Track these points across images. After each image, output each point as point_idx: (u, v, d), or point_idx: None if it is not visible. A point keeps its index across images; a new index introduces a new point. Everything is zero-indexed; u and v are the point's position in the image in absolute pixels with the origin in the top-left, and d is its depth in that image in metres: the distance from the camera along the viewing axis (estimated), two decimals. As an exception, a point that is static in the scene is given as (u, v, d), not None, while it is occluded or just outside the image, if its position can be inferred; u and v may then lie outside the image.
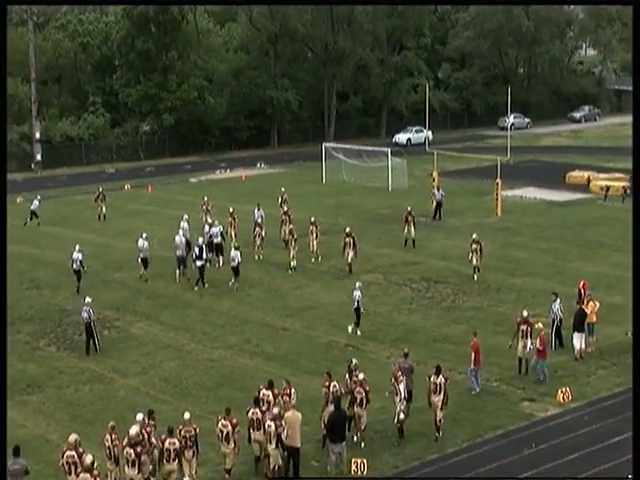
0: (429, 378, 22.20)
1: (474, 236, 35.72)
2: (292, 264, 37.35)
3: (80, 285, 34.98)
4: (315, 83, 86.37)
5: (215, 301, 33.87)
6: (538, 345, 25.10)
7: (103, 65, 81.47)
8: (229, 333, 30.26)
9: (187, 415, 19.66)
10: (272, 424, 19.85)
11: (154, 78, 75.31)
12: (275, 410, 20.18)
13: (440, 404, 21.99)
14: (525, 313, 26.18)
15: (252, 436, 20.54)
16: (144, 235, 37.15)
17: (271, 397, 20.99)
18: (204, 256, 35.62)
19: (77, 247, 35.56)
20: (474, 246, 35.32)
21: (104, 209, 48.73)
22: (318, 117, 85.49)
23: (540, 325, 25.66)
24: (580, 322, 27.21)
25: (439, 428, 22.09)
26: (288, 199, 46.63)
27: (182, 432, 19.41)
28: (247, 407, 20.65)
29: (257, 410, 20.41)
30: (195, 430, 19.55)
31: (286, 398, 21.09)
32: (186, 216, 39.91)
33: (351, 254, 36.15)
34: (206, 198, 45.25)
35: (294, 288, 35.28)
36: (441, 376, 22.00)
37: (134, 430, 18.92)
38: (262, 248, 39.18)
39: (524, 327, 25.72)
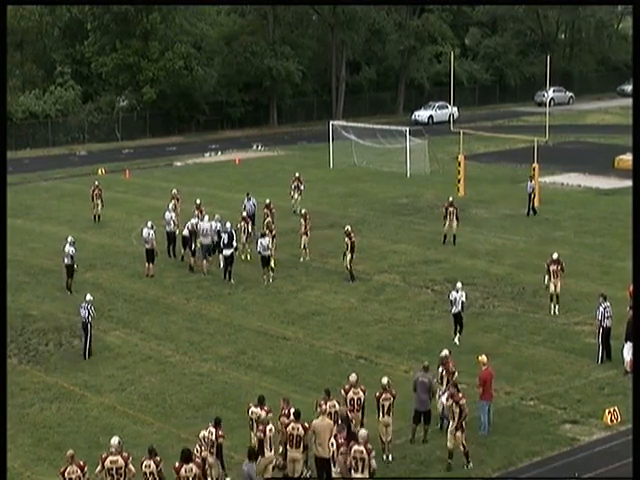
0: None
1: (554, 256, 31.85)
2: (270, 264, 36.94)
3: (72, 282, 35.26)
4: (321, 51, 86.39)
5: (204, 305, 33.89)
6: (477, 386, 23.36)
7: (73, 29, 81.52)
8: (220, 343, 30.27)
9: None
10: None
11: (133, 44, 75.36)
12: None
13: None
14: (445, 352, 24.00)
15: (289, 454, 20.55)
16: (149, 224, 37.19)
17: (263, 415, 20.94)
18: (234, 243, 36.13)
19: (69, 239, 35.69)
20: (553, 267, 31.54)
21: (100, 207, 46.82)
22: (325, 91, 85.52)
23: (456, 377, 23.16)
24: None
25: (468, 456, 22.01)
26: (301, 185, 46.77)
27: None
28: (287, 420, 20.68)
29: (299, 425, 20.35)
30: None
31: (284, 419, 21.05)
32: (171, 205, 39.94)
33: (348, 257, 35.65)
34: (175, 191, 43.66)
35: (296, 291, 35.29)
36: None
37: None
38: (249, 245, 38.80)
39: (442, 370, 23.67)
